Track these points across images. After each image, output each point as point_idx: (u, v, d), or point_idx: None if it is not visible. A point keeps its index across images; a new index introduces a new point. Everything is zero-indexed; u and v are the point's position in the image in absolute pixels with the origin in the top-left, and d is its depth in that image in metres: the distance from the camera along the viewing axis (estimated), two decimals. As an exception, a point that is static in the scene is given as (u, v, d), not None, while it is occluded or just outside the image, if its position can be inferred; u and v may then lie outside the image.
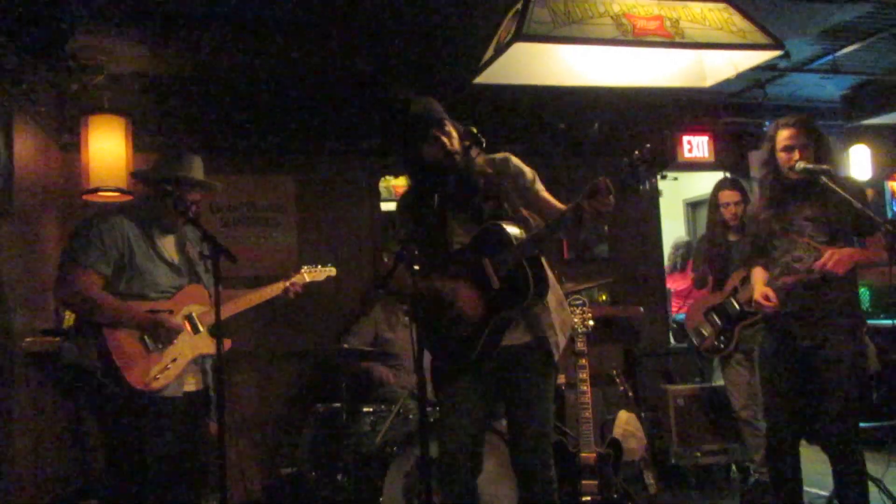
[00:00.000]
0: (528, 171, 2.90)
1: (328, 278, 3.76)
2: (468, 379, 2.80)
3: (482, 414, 2.84)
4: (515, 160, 2.91)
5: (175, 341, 2.95)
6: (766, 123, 3.52)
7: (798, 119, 3.31)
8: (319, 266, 3.73)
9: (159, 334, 2.91)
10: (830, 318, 3.27)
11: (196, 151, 3.22)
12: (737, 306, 4.36)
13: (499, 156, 2.91)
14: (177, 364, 2.95)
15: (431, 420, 3.53)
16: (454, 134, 2.78)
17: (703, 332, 4.51)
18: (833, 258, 3.10)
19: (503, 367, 2.77)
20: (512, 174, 2.86)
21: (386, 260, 3.44)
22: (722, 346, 4.43)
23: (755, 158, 3.56)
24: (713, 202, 4.61)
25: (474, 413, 2.80)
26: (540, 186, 2.89)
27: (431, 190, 2.80)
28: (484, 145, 2.74)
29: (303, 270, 3.62)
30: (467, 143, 2.74)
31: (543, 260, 2.78)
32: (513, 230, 2.70)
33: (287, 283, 3.42)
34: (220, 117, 5.08)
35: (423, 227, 2.81)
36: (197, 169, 3.10)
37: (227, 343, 3.06)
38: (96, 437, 3.77)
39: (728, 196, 4.52)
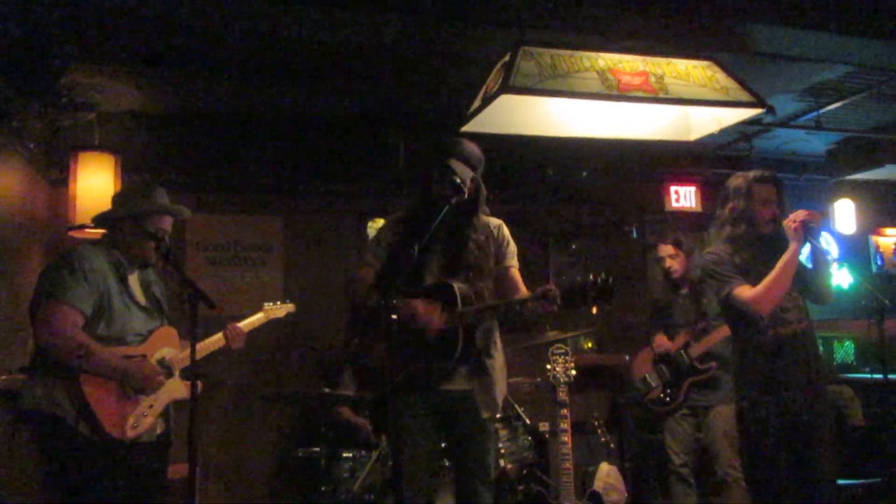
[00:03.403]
0: (513, 247, 3.07)
1: (288, 314, 3.76)
2: (421, 421, 2.88)
3: (432, 454, 2.99)
4: (506, 231, 3.08)
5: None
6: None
7: (773, 174, 3.33)
8: (279, 302, 3.74)
9: (143, 388, 2.81)
10: (819, 374, 3.24)
11: (184, 189, 3.19)
12: (687, 360, 4.33)
13: (494, 220, 3.07)
14: (153, 410, 2.87)
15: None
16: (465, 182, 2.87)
17: (651, 382, 4.47)
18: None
19: (447, 409, 2.90)
20: (497, 242, 3.03)
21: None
22: (668, 399, 4.37)
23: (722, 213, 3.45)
24: (654, 256, 4.62)
25: (429, 456, 2.93)
26: (514, 263, 3.06)
27: (427, 228, 2.85)
28: (465, 195, 2.78)
29: (265, 307, 3.61)
30: (449, 192, 2.77)
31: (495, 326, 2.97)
32: (463, 293, 2.82)
33: (224, 332, 3.24)
34: (209, 156, 5.11)
35: (403, 256, 2.85)
36: (163, 196, 3.02)
37: (199, 385, 3.01)
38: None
39: (662, 250, 4.51)
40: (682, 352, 4.33)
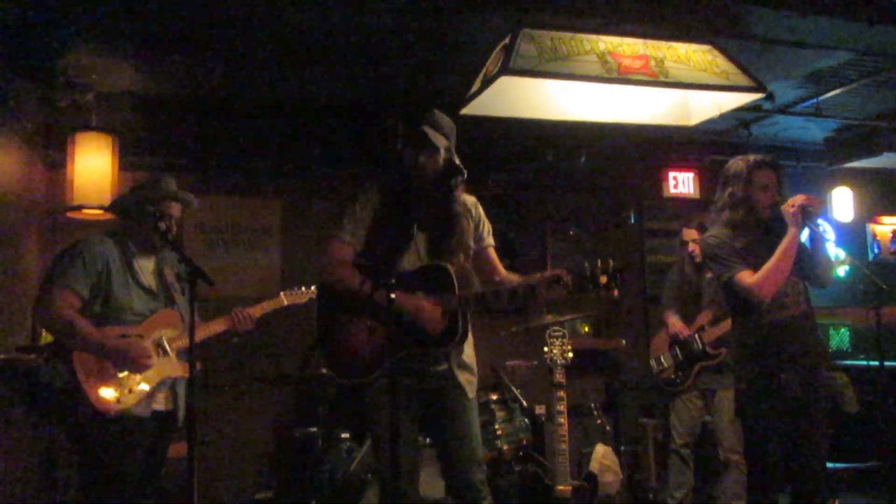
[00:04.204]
0: (489, 225, 2.99)
1: (311, 300, 3.59)
2: (406, 409, 2.79)
3: (415, 436, 2.91)
4: (481, 210, 2.99)
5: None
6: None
7: (773, 159, 3.33)
8: (303, 288, 3.61)
9: (128, 366, 2.91)
10: (818, 358, 3.25)
11: (182, 171, 3.22)
12: (699, 345, 4.38)
13: (470, 198, 2.97)
14: (143, 386, 2.95)
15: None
16: (437, 157, 2.79)
17: (664, 362, 4.54)
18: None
19: (431, 390, 2.84)
20: (475, 221, 2.93)
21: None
22: (678, 381, 4.44)
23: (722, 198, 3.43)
24: (680, 240, 4.70)
25: (412, 436, 2.86)
26: (491, 242, 2.99)
27: (407, 202, 2.82)
28: (465, 176, 2.77)
29: (281, 295, 3.54)
30: (449, 172, 2.76)
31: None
32: (458, 276, 2.76)
33: (230, 315, 3.23)
34: (207, 138, 5.10)
35: (382, 234, 2.81)
36: (170, 184, 3.14)
37: (197, 366, 3.07)
38: (67, 456, 3.73)
39: (687, 234, 4.60)
40: (696, 336, 4.39)
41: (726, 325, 4.30)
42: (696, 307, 4.51)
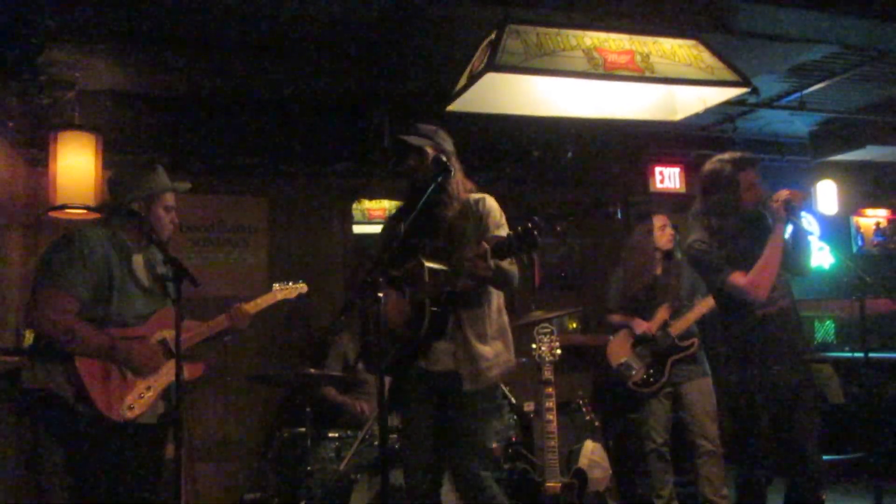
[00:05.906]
0: (496, 218, 2.96)
1: (300, 296, 3.67)
2: (418, 400, 2.98)
3: (434, 433, 2.99)
4: (490, 204, 2.99)
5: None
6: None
7: (753, 157, 3.36)
8: (290, 283, 3.63)
9: (137, 370, 2.80)
10: (803, 348, 3.31)
11: (167, 170, 3.15)
12: (669, 339, 4.36)
13: (475, 195, 3.01)
14: (152, 391, 2.84)
15: (395, 446, 3.56)
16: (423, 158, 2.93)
17: (633, 365, 4.47)
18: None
19: (437, 390, 2.96)
20: (477, 216, 2.95)
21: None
22: (652, 380, 4.40)
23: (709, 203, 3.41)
24: (645, 228, 4.57)
25: (428, 433, 2.97)
26: (499, 234, 2.91)
27: (409, 207, 2.96)
28: (452, 173, 2.77)
29: (274, 288, 3.52)
30: (435, 171, 2.76)
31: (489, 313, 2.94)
32: (435, 271, 2.79)
33: (228, 313, 3.17)
34: (192, 136, 5.05)
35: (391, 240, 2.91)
36: (163, 175, 3.03)
37: (201, 367, 3.05)
38: (55, 462, 3.61)
39: (659, 220, 4.52)
40: (664, 331, 4.37)
41: (690, 316, 4.29)
42: (653, 303, 4.45)
